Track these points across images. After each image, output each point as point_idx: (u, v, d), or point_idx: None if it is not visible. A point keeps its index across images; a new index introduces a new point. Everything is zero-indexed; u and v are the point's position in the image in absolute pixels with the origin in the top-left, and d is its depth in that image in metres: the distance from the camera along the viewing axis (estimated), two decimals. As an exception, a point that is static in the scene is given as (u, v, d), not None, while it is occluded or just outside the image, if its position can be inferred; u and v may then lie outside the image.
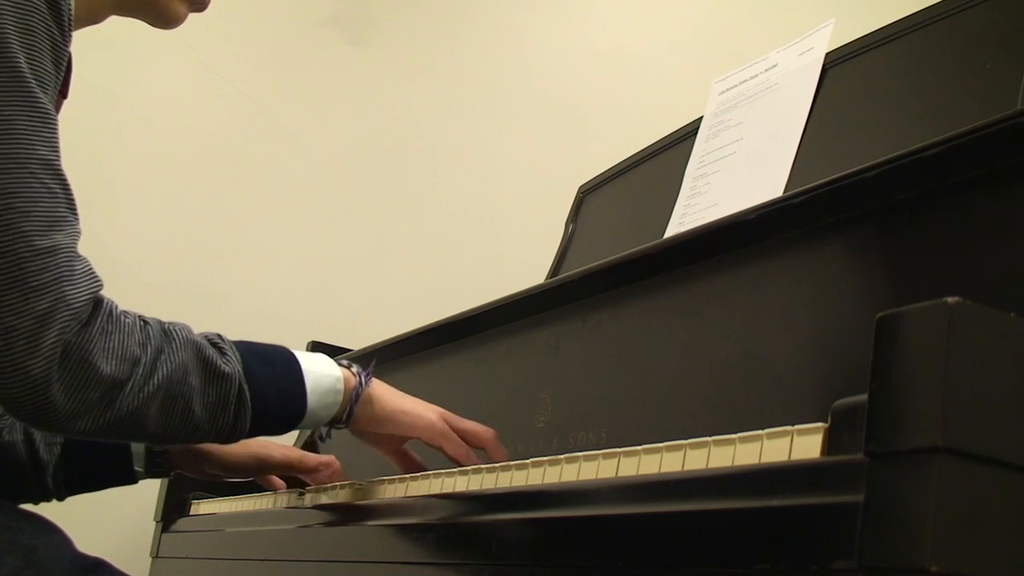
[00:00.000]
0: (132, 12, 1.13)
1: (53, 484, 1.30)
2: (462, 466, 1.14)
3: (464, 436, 1.17)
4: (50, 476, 1.29)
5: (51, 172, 0.90)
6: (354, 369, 1.13)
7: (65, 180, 0.92)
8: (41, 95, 0.90)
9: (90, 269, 0.91)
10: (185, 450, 1.36)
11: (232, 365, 1.00)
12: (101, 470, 1.33)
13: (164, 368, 0.94)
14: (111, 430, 0.93)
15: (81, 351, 0.87)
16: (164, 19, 1.14)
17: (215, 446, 1.35)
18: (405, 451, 1.21)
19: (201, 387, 0.97)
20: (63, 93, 1.02)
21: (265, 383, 1.03)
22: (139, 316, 0.95)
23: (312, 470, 1.35)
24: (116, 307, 0.93)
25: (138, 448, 1.34)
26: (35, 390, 0.86)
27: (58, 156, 0.92)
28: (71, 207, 0.92)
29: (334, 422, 1.12)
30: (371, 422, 1.13)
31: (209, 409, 0.98)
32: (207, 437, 1.01)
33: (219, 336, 1.02)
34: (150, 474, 1.37)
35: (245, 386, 1.00)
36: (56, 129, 0.92)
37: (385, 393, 1.15)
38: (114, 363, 0.90)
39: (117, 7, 1.11)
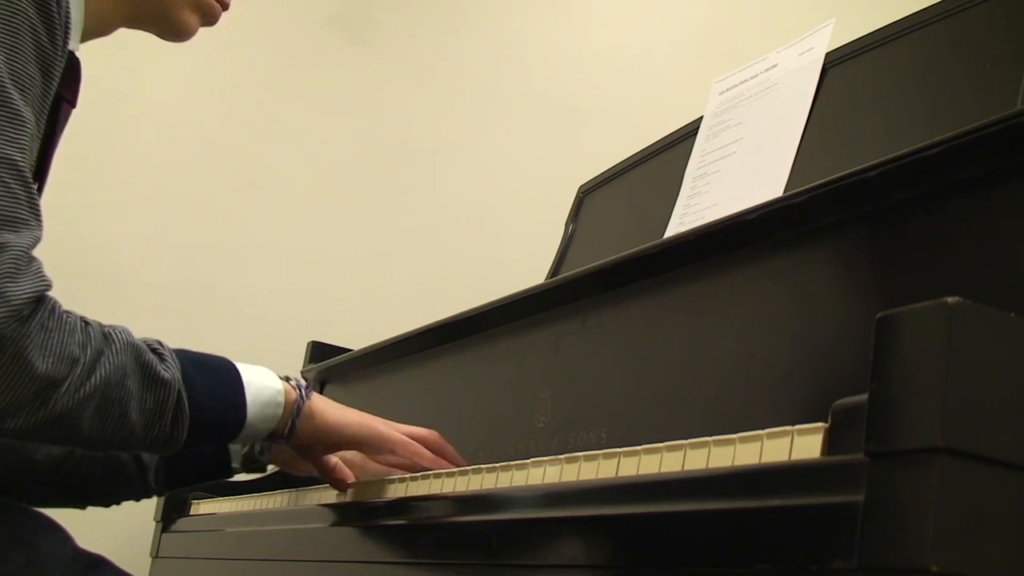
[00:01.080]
0: (143, 26, 1.13)
1: (155, 483, 1.32)
2: (416, 465, 1.13)
3: (412, 437, 1.16)
4: (152, 476, 1.31)
5: (13, 172, 0.88)
6: (294, 383, 1.10)
7: (29, 183, 0.90)
8: (15, 96, 0.89)
9: (40, 270, 0.89)
10: (283, 448, 1.36)
11: (171, 372, 0.97)
12: (200, 468, 1.34)
13: (102, 370, 0.92)
14: (42, 431, 0.90)
15: (16, 346, 0.85)
16: (175, 33, 1.14)
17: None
18: (336, 464, 1.18)
19: (139, 392, 0.95)
20: (72, 102, 1.01)
21: (204, 392, 1.00)
22: (81, 317, 0.93)
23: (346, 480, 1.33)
24: (59, 306, 0.90)
25: (235, 445, 1.34)
26: None
27: (25, 158, 0.90)
28: (33, 211, 0.89)
29: (274, 436, 1.09)
30: (315, 435, 1.11)
31: (146, 415, 0.95)
32: (142, 445, 0.98)
33: (159, 342, 0.99)
34: (247, 469, 1.37)
35: (184, 394, 0.98)
36: (27, 132, 0.90)
37: (326, 406, 1.12)
38: (51, 361, 0.88)
39: (128, 20, 1.11)
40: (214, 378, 1.03)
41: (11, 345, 0.85)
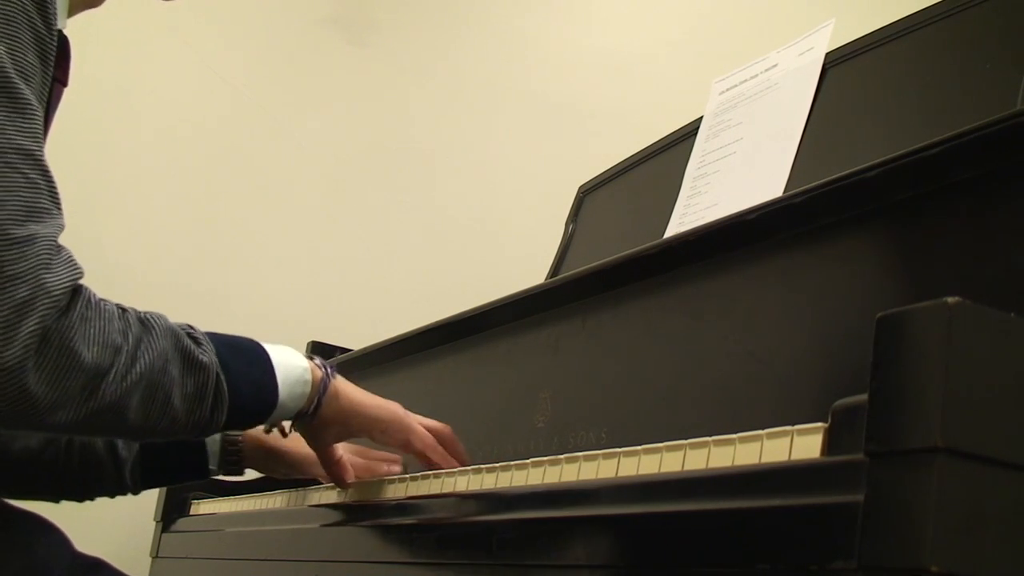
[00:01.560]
0: None
1: (131, 479, 1.31)
2: (429, 459, 1.14)
3: (429, 429, 1.17)
4: (128, 472, 1.30)
5: (31, 162, 0.88)
6: (318, 361, 1.10)
7: (48, 172, 0.90)
8: (22, 86, 0.88)
9: (71, 258, 0.89)
10: (258, 448, 1.36)
11: (209, 356, 0.97)
12: (177, 467, 1.34)
13: (145, 356, 0.91)
14: (91, 422, 0.90)
15: (61, 338, 0.85)
16: None
17: (288, 444, 1.33)
18: (340, 458, 1.18)
19: (180, 378, 0.94)
20: (63, 81, 1.00)
21: (239, 375, 1.00)
22: (118, 304, 0.92)
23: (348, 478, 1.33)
24: (95, 295, 0.90)
25: (214, 447, 1.34)
26: (11, 380, 0.83)
27: (41, 147, 0.90)
28: (54, 199, 0.90)
29: (299, 415, 1.09)
30: (337, 415, 1.10)
31: (187, 401, 0.95)
32: (183, 430, 0.98)
33: (191, 326, 0.99)
34: (224, 472, 1.37)
35: (222, 377, 0.98)
36: (38, 120, 0.90)
37: (350, 388, 1.12)
38: (96, 350, 0.87)
39: None
40: (247, 360, 1.03)
41: (56, 337, 0.85)
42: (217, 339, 1.01)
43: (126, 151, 2.25)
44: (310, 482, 1.41)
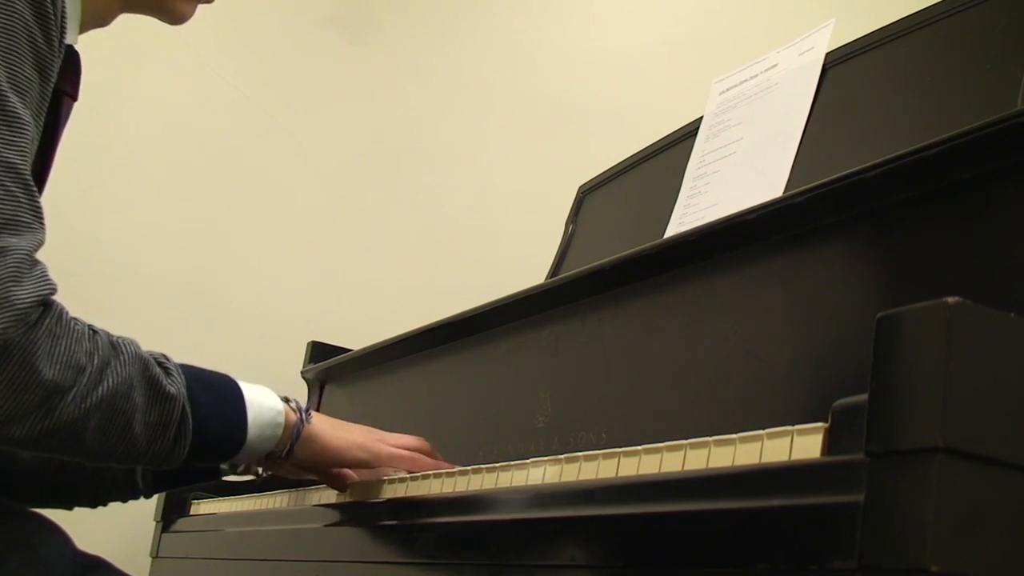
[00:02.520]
0: (140, 9, 1.12)
1: (142, 483, 1.31)
2: (416, 470, 1.14)
3: (406, 447, 1.17)
4: (139, 476, 1.30)
5: (13, 176, 0.87)
6: (294, 404, 1.10)
7: (30, 186, 0.89)
8: (14, 99, 0.88)
9: (44, 273, 0.88)
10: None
11: (177, 387, 0.97)
12: (188, 469, 1.33)
13: (109, 380, 0.91)
14: (46, 440, 0.89)
15: (23, 353, 0.84)
16: (172, 16, 1.13)
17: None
18: (337, 472, 1.18)
19: (144, 405, 0.94)
20: (72, 96, 1.01)
21: (208, 409, 1.00)
22: (89, 326, 0.92)
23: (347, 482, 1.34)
24: (67, 313, 0.90)
25: None
26: None
27: (26, 162, 0.89)
28: (35, 214, 0.89)
29: (272, 456, 1.09)
30: (312, 458, 1.11)
31: (150, 429, 0.95)
32: (143, 459, 0.98)
33: (165, 356, 0.99)
34: (235, 471, 1.37)
35: (188, 410, 0.97)
36: (26, 134, 0.90)
37: (326, 429, 1.12)
38: (58, 368, 0.87)
39: (125, 6, 1.11)
40: (217, 396, 1.03)
41: (18, 351, 0.84)
42: (190, 372, 1.00)
43: (126, 151, 2.25)
44: (310, 482, 1.41)
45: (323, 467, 1.15)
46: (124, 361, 0.93)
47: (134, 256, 2.21)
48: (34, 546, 1.05)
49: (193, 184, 2.31)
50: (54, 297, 0.89)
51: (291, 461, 1.10)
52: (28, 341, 0.85)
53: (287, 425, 1.08)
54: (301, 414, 1.10)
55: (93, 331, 0.92)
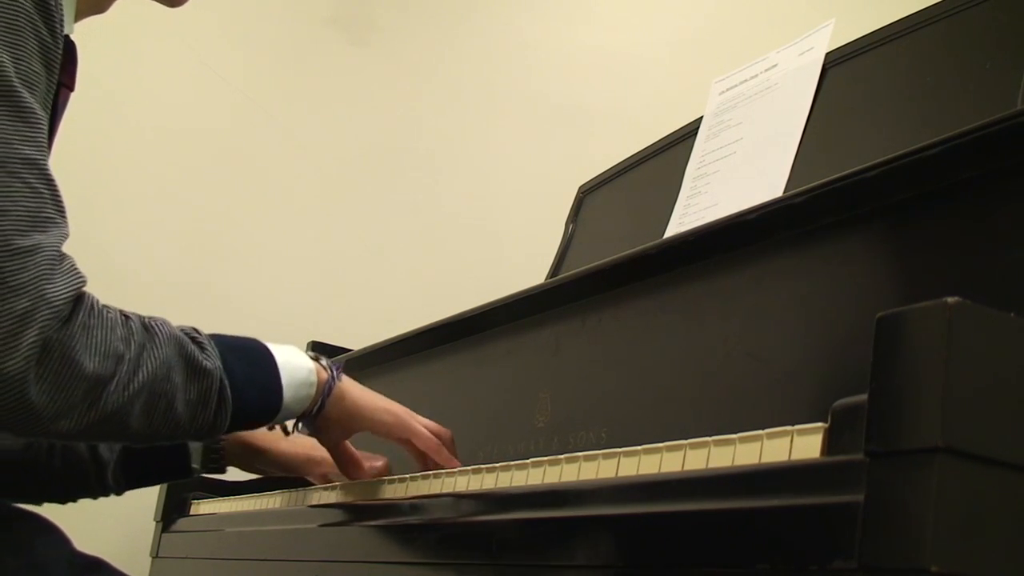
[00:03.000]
0: None
1: (113, 481, 1.31)
2: (431, 459, 1.15)
3: (433, 431, 1.17)
4: (110, 473, 1.30)
5: (36, 172, 0.88)
6: (323, 362, 1.11)
7: (52, 180, 0.90)
8: (26, 95, 0.89)
9: (74, 266, 0.89)
10: (239, 446, 1.36)
11: (213, 361, 0.97)
12: (159, 467, 1.34)
13: (148, 365, 0.91)
14: (94, 430, 0.90)
15: (63, 348, 0.85)
16: (169, 1, 1.13)
17: (269, 442, 1.34)
18: (346, 447, 1.19)
19: (184, 384, 0.95)
20: (69, 86, 1.01)
21: (244, 379, 1.00)
22: (121, 311, 0.92)
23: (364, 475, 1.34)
24: (98, 302, 0.90)
25: (196, 446, 1.34)
26: (11, 391, 0.83)
27: (44, 156, 0.90)
28: (58, 208, 0.90)
29: (303, 416, 1.10)
30: (341, 417, 1.11)
31: (191, 407, 0.96)
32: (186, 435, 0.99)
33: (195, 330, 0.99)
34: (206, 470, 1.37)
35: (226, 383, 0.98)
36: (42, 129, 0.90)
37: (354, 389, 1.13)
38: (98, 360, 0.87)
39: None
40: (252, 363, 1.03)
41: (58, 347, 0.85)
42: (222, 342, 1.01)
43: (126, 151, 2.25)
44: (311, 482, 1.41)
45: (349, 427, 1.14)
46: (160, 343, 0.94)
47: (134, 255, 2.21)
48: (32, 547, 1.05)
49: (193, 184, 2.31)
50: (85, 288, 0.89)
51: (321, 419, 1.10)
52: (67, 336, 0.85)
53: (319, 384, 1.08)
54: (332, 371, 1.10)
55: (125, 316, 0.93)
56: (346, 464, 1.18)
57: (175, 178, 2.29)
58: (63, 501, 1.32)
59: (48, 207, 0.89)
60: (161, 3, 1.14)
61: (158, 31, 2.22)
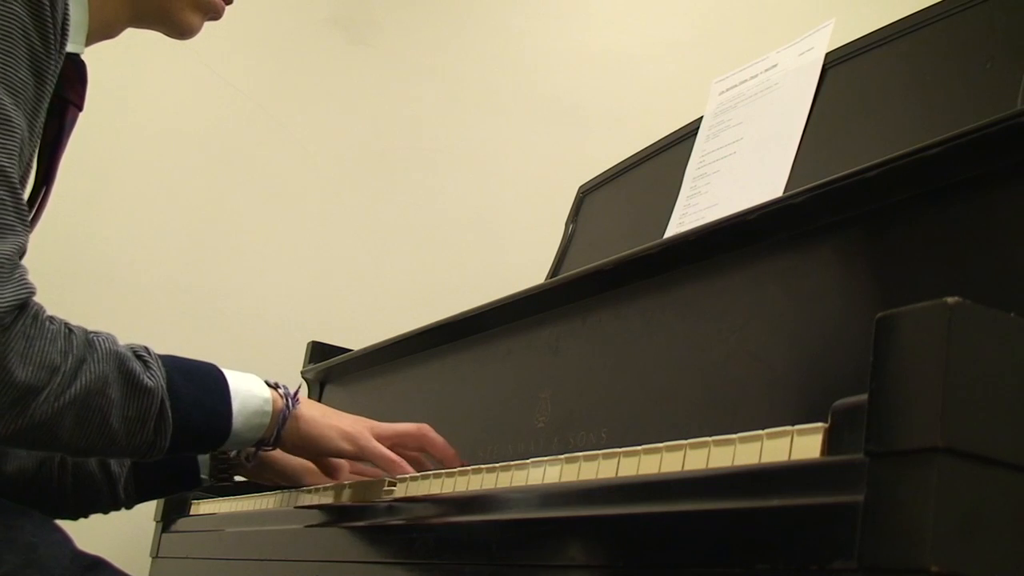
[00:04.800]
0: (147, 24, 1.13)
1: (124, 495, 1.31)
2: (393, 474, 1.13)
3: (399, 440, 1.17)
4: (122, 488, 1.30)
5: (0, 178, 0.88)
6: (282, 390, 1.11)
7: (16, 188, 0.90)
8: (7, 100, 0.89)
9: (23, 277, 0.89)
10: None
11: (156, 380, 0.98)
12: (169, 479, 1.34)
13: (83, 378, 0.92)
14: (21, 438, 0.90)
15: None
16: (179, 31, 1.14)
17: (277, 455, 1.35)
18: (328, 460, 1.20)
19: (121, 400, 0.95)
20: (78, 105, 1.01)
21: (189, 401, 1.00)
22: (65, 324, 0.93)
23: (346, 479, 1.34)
24: (43, 313, 0.90)
25: (204, 455, 1.34)
26: None
27: (12, 164, 0.89)
28: (19, 215, 0.89)
29: (261, 443, 1.10)
30: (299, 444, 1.12)
31: (128, 423, 0.96)
32: (124, 452, 0.99)
33: (146, 349, 0.99)
34: (215, 480, 1.37)
35: (167, 402, 0.98)
36: (16, 136, 0.90)
37: (313, 415, 1.13)
38: (31, 369, 0.88)
39: (132, 20, 1.11)
40: (200, 386, 1.03)
41: None
42: (172, 363, 1.01)
43: (127, 151, 2.25)
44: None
45: (310, 455, 1.15)
46: (99, 357, 0.93)
47: (134, 256, 2.21)
48: (34, 546, 1.05)
49: (193, 184, 2.31)
50: (33, 299, 0.89)
51: (281, 447, 1.11)
52: (1, 343, 0.86)
53: (274, 412, 1.09)
54: (288, 400, 1.10)
55: (69, 329, 0.93)
56: (329, 473, 1.20)
57: (175, 178, 2.29)
58: (75, 518, 1.32)
59: (8, 215, 0.88)
60: (171, 36, 1.15)
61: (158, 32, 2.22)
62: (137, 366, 0.97)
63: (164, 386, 0.98)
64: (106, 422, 0.94)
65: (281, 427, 1.09)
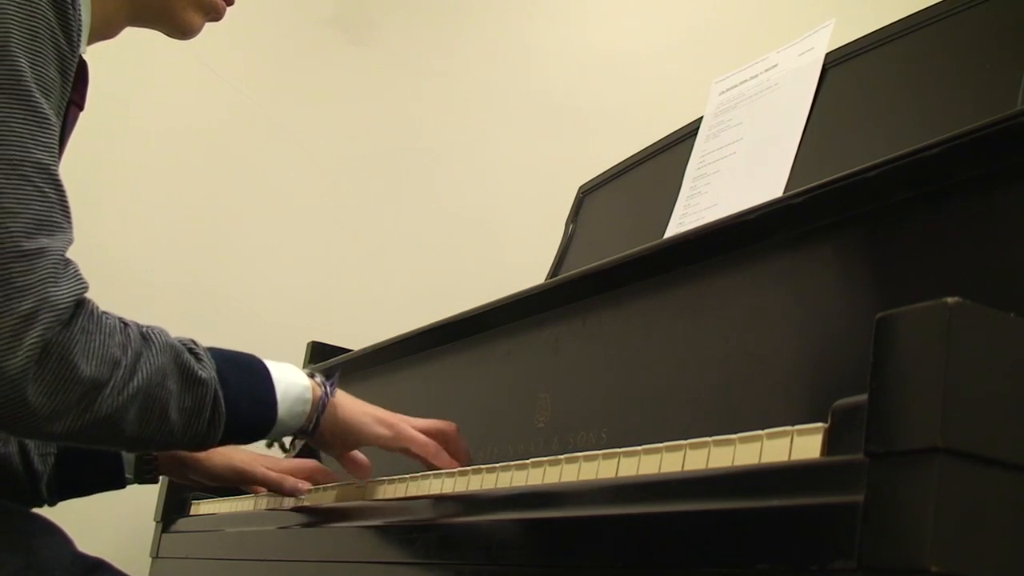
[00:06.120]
0: (148, 23, 1.13)
1: (47, 492, 1.30)
2: (432, 464, 1.15)
3: (432, 433, 1.18)
4: (44, 485, 1.30)
5: (46, 176, 0.90)
6: (318, 379, 1.13)
7: (60, 185, 0.91)
8: (42, 100, 0.90)
9: (77, 272, 0.91)
10: (170, 457, 1.37)
11: (208, 371, 0.99)
12: (93, 478, 1.34)
13: (143, 371, 0.93)
14: (87, 433, 0.91)
15: (62, 351, 0.87)
16: (180, 30, 1.14)
17: (200, 456, 1.35)
18: (354, 455, 1.20)
19: (178, 392, 0.96)
20: (80, 105, 1.02)
21: (239, 391, 1.02)
22: (120, 318, 0.94)
23: (289, 492, 1.35)
24: (98, 308, 0.92)
25: (128, 456, 1.35)
26: (11, 389, 0.85)
27: (55, 161, 0.91)
28: (65, 213, 0.91)
29: (299, 432, 1.12)
30: (337, 432, 1.13)
31: (185, 415, 0.97)
32: (180, 443, 1.00)
33: (193, 341, 1.01)
34: (139, 480, 1.38)
35: (220, 393, 1.00)
36: (55, 135, 0.92)
37: (349, 404, 1.15)
38: (95, 364, 0.89)
39: (132, 19, 1.12)
40: (247, 377, 1.05)
41: (57, 350, 0.87)
42: (219, 355, 1.02)
43: (127, 151, 2.25)
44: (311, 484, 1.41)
45: (346, 442, 1.16)
46: (156, 351, 0.95)
47: (135, 256, 2.21)
48: (34, 547, 1.05)
49: (193, 184, 2.31)
50: (86, 295, 0.91)
51: (317, 436, 1.12)
52: (66, 339, 0.87)
53: (313, 401, 1.10)
54: (325, 388, 1.12)
55: (124, 323, 0.94)
56: (355, 472, 1.21)
57: (175, 178, 2.29)
58: None
59: (56, 212, 0.90)
60: (172, 36, 1.15)
61: (157, 32, 2.22)
62: (190, 358, 0.98)
63: (215, 377, 1.00)
64: (166, 414, 0.96)
65: (320, 414, 1.11)
